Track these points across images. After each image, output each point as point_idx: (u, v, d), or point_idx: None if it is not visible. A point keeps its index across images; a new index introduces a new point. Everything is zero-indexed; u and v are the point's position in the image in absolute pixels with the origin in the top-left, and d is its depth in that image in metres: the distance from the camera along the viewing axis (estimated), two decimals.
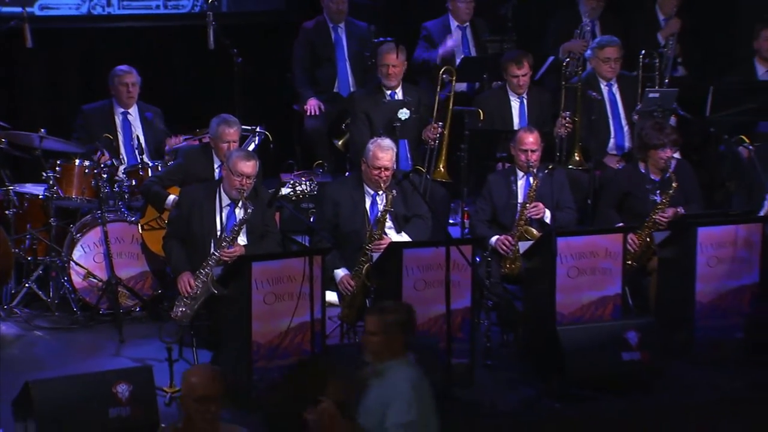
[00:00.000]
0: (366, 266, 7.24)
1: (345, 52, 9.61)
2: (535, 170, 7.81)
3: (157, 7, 10.37)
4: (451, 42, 9.40)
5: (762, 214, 7.92)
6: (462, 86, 9.42)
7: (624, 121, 9.07)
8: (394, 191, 7.44)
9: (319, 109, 9.43)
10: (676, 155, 8.13)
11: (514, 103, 8.95)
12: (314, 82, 9.61)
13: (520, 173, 7.94)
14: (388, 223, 7.49)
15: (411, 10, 10.51)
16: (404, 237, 7.53)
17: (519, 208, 7.82)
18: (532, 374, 7.12)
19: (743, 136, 8.59)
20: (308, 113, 9.42)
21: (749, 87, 9.03)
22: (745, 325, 7.41)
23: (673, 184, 7.76)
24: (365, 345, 5.44)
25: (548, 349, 7.01)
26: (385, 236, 7.37)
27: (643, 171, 8.01)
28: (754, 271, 7.43)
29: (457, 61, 9.44)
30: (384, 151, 7.46)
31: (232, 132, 7.85)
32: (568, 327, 7.06)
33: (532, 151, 7.84)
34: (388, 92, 8.80)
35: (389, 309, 5.51)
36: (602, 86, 9.05)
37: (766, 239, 7.51)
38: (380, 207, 7.44)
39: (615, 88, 9.10)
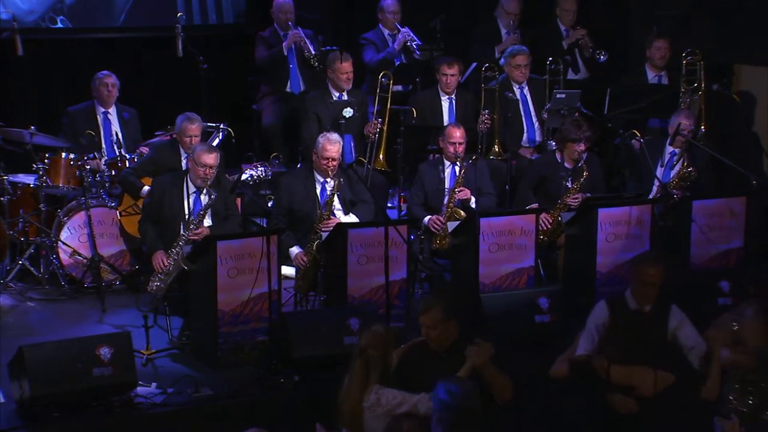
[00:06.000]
0: (316, 243, 7.18)
1: (295, 57, 9.51)
2: (460, 160, 7.79)
3: None
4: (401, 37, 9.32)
5: (651, 197, 7.97)
6: (398, 87, 9.37)
7: (534, 118, 9.06)
8: (341, 179, 7.39)
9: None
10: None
11: (444, 103, 8.91)
12: (270, 81, 9.48)
13: (447, 163, 7.91)
14: (338, 206, 7.44)
15: (351, 23, 10.44)
16: (352, 218, 7.47)
17: (448, 193, 7.79)
18: (459, 335, 7.07)
19: (635, 131, 8.64)
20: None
21: (641, 89, 9.05)
22: None
23: (585, 173, 7.75)
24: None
25: (473, 313, 6.98)
26: (333, 217, 7.30)
27: (559, 160, 8.00)
28: (645, 245, 7.45)
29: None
30: (332, 144, 7.40)
31: (193, 128, 7.74)
32: (489, 294, 7.06)
33: (459, 143, 7.82)
34: (337, 94, 8.73)
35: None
36: (515, 88, 9.03)
37: (655, 218, 7.56)
38: (328, 192, 7.37)
39: (526, 90, 9.08)
